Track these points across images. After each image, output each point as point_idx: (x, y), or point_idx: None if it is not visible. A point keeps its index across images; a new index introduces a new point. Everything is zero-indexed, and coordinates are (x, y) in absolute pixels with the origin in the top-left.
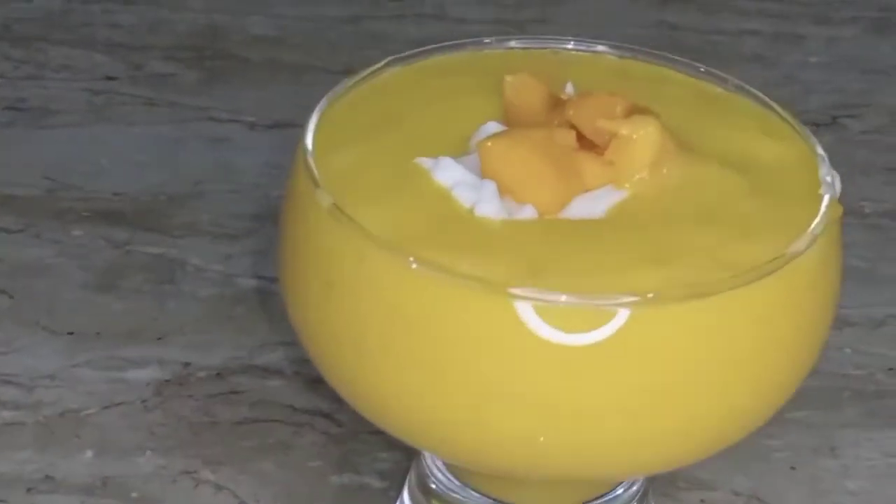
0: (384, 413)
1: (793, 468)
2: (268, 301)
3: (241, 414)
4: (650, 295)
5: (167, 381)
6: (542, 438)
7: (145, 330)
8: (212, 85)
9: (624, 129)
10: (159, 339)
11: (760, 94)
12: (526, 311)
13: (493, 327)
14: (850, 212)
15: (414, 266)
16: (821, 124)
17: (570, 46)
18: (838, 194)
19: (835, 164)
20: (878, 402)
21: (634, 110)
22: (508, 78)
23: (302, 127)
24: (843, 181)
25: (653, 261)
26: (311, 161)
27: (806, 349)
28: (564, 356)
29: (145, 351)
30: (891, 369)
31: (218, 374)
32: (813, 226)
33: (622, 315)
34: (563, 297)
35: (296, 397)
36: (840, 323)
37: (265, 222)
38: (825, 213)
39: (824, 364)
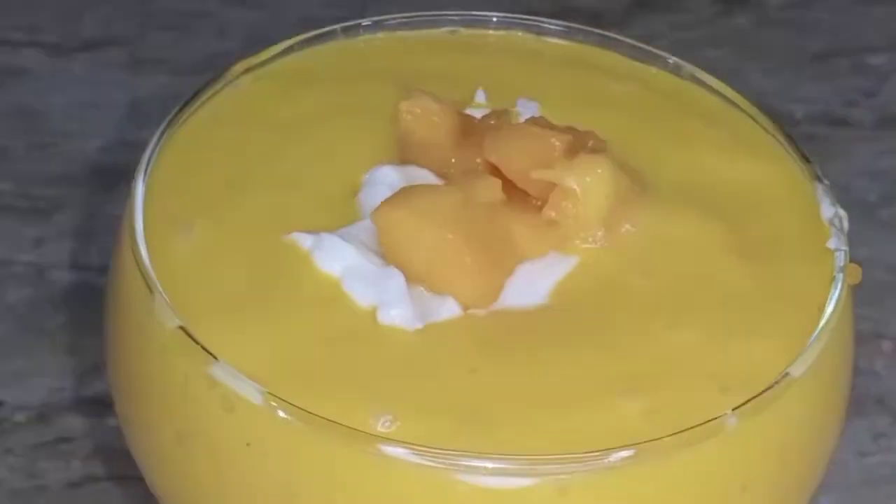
0: None
1: None
2: (94, 302)
3: (74, 471)
4: (633, 452)
5: None
6: None
7: None
8: None
9: (568, 179)
10: None
11: (725, 89)
12: (461, 484)
13: None
14: (779, 118)
15: (298, 424)
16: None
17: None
18: (846, 237)
19: (749, 50)
20: None
21: (576, 144)
22: (403, 105)
23: (129, 177)
24: (762, 76)
25: (626, 387)
26: (143, 254)
27: (824, 455)
28: None
29: None
30: None
31: (40, 415)
32: (828, 313)
33: (597, 480)
34: (521, 466)
35: None
36: None
37: (82, 186)
38: (841, 286)
39: None
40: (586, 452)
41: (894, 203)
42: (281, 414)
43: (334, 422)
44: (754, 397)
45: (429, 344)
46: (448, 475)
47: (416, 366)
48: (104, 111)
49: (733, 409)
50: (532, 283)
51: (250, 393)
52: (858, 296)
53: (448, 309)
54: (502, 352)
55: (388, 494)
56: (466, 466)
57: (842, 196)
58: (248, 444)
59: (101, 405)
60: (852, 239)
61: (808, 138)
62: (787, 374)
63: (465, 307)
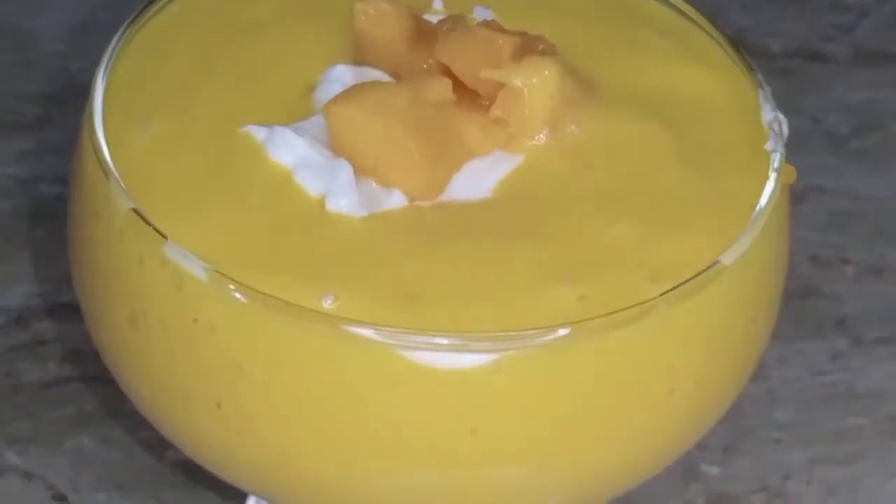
0: (216, 465)
1: None
2: None
3: (49, 372)
4: (564, 332)
5: None
6: None
7: None
8: None
9: (515, 79)
10: None
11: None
12: (398, 360)
13: (357, 378)
14: (756, 52)
15: (241, 299)
16: None
17: None
18: (785, 142)
19: None
20: (802, 304)
21: (526, 46)
22: (358, 6)
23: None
24: (741, 11)
25: (561, 275)
26: (101, 142)
27: (753, 350)
28: (458, 413)
29: None
30: (814, 258)
31: (18, 318)
32: (760, 207)
33: (529, 359)
34: (455, 341)
35: None
36: None
37: (68, 105)
38: (775, 184)
39: None
40: (520, 331)
41: (864, 135)
42: (225, 290)
43: (275, 297)
44: (681, 284)
45: (373, 231)
46: (385, 350)
47: (360, 251)
48: (91, 33)
49: (661, 294)
50: (477, 179)
51: (197, 270)
52: (825, 222)
53: (395, 200)
54: (444, 241)
55: (327, 368)
56: (403, 341)
57: (814, 128)
58: (195, 320)
59: (76, 310)
60: (822, 169)
61: (784, 72)
62: (716, 262)
63: (411, 199)
